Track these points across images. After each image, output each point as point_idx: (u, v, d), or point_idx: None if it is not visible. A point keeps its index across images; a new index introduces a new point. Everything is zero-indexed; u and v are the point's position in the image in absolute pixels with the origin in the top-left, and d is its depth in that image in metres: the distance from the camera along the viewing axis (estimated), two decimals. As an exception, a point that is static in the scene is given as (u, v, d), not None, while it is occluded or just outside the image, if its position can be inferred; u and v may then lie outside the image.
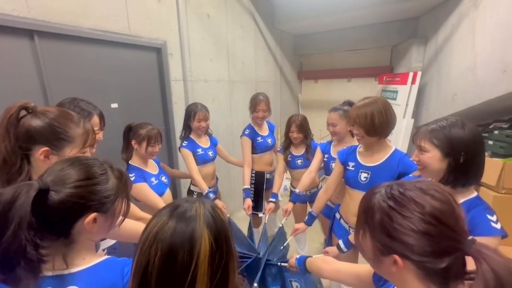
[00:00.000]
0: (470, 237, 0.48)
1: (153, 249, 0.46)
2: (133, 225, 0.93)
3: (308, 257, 1.09)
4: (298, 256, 1.13)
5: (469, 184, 0.86)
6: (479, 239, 0.47)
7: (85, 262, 0.61)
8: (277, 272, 1.35)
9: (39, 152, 0.73)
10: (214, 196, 1.82)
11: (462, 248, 0.47)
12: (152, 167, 1.59)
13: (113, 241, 1.14)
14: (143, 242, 0.48)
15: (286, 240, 1.59)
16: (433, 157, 0.86)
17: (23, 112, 0.74)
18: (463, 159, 0.81)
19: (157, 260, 0.45)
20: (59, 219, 0.56)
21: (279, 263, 1.31)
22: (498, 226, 0.79)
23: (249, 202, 1.92)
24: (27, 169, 0.73)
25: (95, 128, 1.10)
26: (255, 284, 1.18)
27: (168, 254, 0.46)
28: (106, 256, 0.65)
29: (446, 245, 0.48)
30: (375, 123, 1.20)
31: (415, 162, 0.94)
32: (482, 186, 2.08)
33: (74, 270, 0.59)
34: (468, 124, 0.84)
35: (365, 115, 1.21)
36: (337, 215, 1.55)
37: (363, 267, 0.82)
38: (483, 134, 2.30)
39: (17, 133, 0.71)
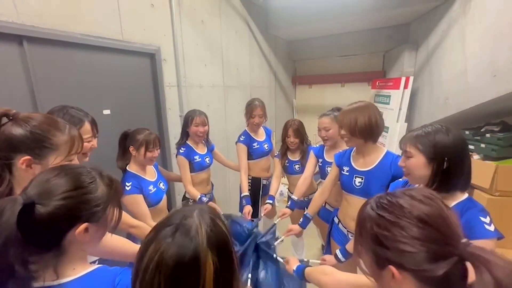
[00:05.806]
0: (464, 240, 0.47)
1: (155, 281, 0.44)
2: (118, 241, 0.91)
3: (306, 266, 1.06)
4: (295, 268, 1.09)
5: (454, 190, 0.85)
6: (476, 243, 0.47)
7: (76, 272, 0.59)
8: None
9: (21, 161, 0.69)
10: (207, 200, 1.80)
11: (456, 252, 0.46)
12: (150, 174, 1.56)
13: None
14: (143, 272, 0.45)
15: (280, 237, 1.54)
16: (418, 163, 0.87)
17: (4, 120, 0.71)
18: (446, 165, 0.82)
19: None
20: (48, 232, 0.54)
21: (275, 256, 1.29)
22: (491, 228, 0.79)
23: (249, 208, 1.89)
24: (8, 179, 0.69)
25: (87, 136, 1.07)
26: (249, 283, 1.16)
27: (172, 284, 0.44)
28: (98, 266, 0.63)
29: (438, 249, 0.47)
30: (358, 126, 1.25)
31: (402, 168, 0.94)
32: (476, 189, 2.10)
33: (64, 280, 0.57)
34: (452, 130, 0.85)
35: (349, 118, 1.27)
36: (336, 220, 1.54)
37: (365, 277, 0.80)
38: (475, 138, 2.33)
39: None
